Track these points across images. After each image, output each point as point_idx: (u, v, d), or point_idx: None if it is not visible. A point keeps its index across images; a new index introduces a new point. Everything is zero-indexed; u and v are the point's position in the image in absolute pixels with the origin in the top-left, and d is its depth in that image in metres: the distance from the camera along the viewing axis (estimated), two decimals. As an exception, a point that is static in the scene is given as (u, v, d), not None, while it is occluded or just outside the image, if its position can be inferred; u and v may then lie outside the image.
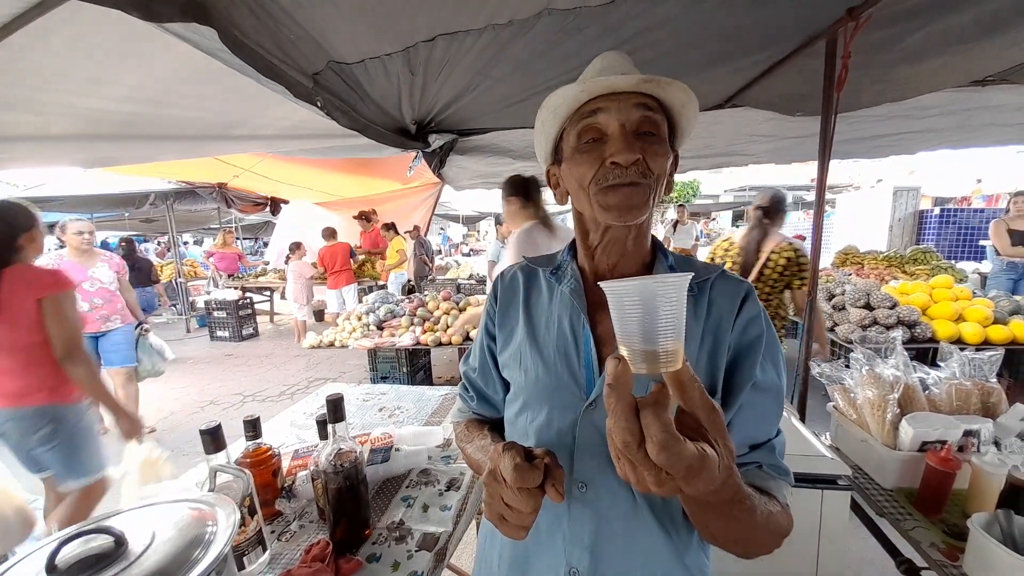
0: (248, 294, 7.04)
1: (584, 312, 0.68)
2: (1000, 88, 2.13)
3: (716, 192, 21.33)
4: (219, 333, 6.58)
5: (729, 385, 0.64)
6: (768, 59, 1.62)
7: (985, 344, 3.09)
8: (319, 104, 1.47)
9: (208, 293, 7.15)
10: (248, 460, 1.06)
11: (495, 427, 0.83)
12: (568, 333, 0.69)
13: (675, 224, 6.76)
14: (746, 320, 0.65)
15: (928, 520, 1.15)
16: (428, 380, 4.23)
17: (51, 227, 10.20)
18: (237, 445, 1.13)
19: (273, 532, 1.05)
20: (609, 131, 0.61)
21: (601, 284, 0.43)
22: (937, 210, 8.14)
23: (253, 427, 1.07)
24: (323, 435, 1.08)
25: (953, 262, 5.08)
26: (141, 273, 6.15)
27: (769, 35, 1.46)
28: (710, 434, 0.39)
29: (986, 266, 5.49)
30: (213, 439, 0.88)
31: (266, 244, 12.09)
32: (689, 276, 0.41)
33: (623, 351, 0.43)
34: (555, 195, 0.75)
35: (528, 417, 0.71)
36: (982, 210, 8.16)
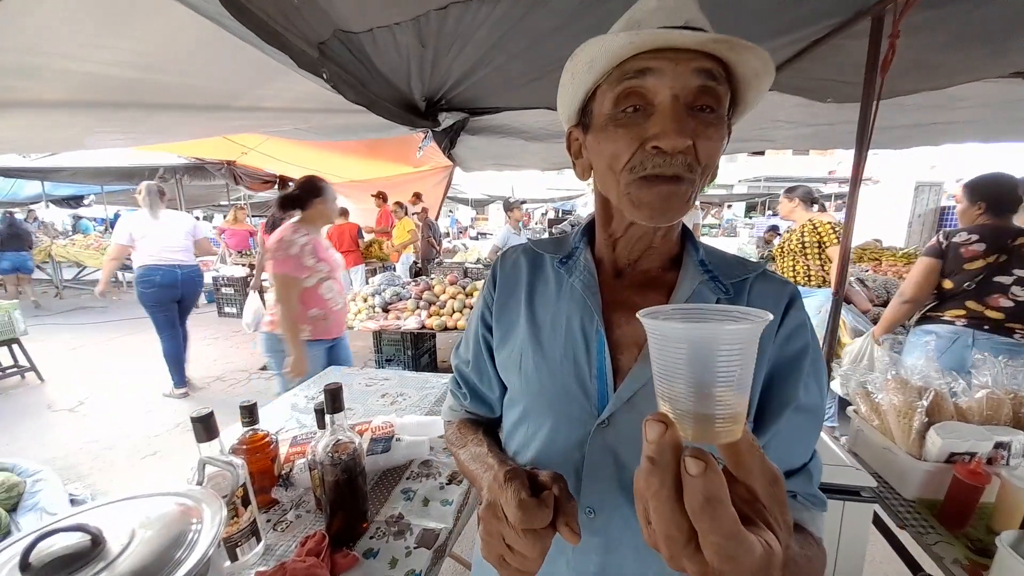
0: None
1: (598, 312, 0.58)
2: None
3: (730, 182, 21.01)
4: (227, 309, 6.59)
5: (767, 405, 0.55)
6: (806, 38, 1.52)
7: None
8: (325, 76, 1.39)
9: (217, 270, 7.17)
10: (244, 447, 1.02)
11: (491, 429, 0.75)
12: (579, 336, 0.59)
13: None
14: (790, 329, 0.56)
15: (951, 535, 1.09)
16: (433, 364, 4.21)
17: (67, 200, 10.17)
18: (235, 429, 1.10)
19: (269, 521, 1.02)
20: (657, 101, 0.48)
21: (640, 316, 0.33)
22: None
23: (250, 413, 1.03)
24: (321, 424, 1.04)
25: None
26: (21, 240, 7.61)
27: (811, 12, 1.35)
28: (768, 511, 0.31)
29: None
30: (205, 427, 0.83)
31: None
32: (769, 318, 0.31)
33: (664, 409, 0.32)
34: (575, 166, 0.62)
35: (528, 429, 0.63)
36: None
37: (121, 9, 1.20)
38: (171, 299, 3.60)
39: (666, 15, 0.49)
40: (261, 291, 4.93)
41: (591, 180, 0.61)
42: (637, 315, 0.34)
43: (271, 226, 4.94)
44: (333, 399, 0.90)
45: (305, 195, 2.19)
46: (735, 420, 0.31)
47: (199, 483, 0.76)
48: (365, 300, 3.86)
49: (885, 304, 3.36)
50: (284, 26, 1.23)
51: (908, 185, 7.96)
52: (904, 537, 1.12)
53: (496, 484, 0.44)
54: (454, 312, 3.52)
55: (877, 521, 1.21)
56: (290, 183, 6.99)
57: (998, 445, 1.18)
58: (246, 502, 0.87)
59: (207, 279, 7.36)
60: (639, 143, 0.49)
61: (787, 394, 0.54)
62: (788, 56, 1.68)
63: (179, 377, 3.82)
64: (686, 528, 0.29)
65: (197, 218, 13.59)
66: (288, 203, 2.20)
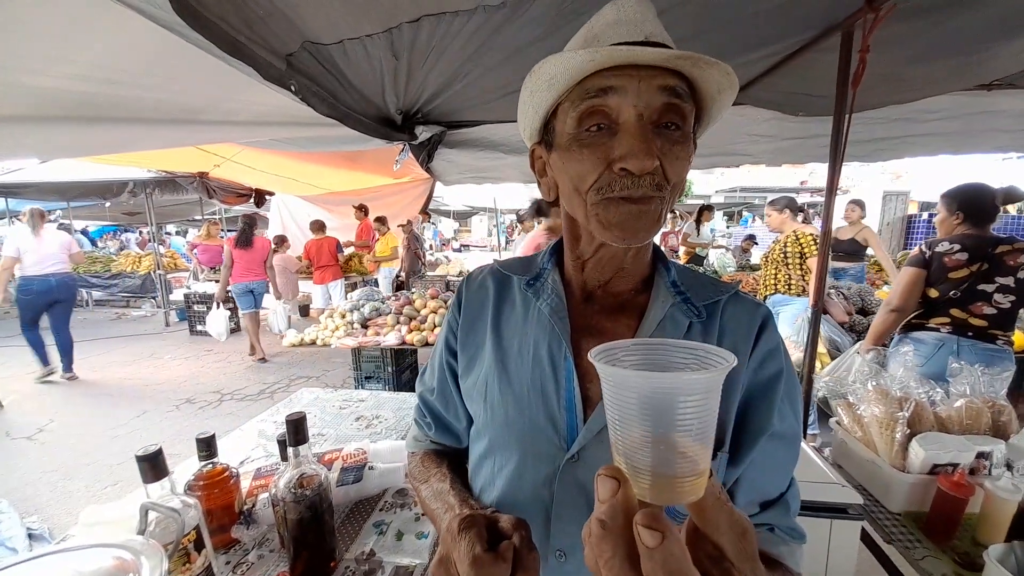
0: (230, 287, 6.85)
1: (567, 339, 0.55)
2: (1006, 93, 2.07)
3: (707, 192, 21.46)
4: (199, 328, 6.39)
5: (741, 433, 0.52)
6: (778, 53, 1.53)
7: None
8: (293, 89, 1.34)
9: (189, 287, 6.96)
10: (201, 484, 0.95)
11: (456, 461, 0.71)
12: (546, 364, 0.56)
13: (698, 223, 6.19)
14: (764, 354, 0.54)
15: (938, 548, 1.08)
16: (415, 381, 4.12)
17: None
18: (192, 463, 1.02)
19: (228, 563, 0.94)
20: (622, 120, 0.46)
21: (591, 358, 0.30)
22: (925, 215, 8.19)
23: (207, 446, 0.96)
24: (284, 457, 0.98)
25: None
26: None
27: (782, 26, 1.37)
28: (737, 570, 0.28)
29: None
30: (152, 466, 0.76)
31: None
32: (732, 363, 0.28)
33: (620, 463, 0.29)
34: (539, 184, 0.60)
35: (495, 464, 0.59)
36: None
37: (79, 21, 1.13)
38: (45, 303, 4.45)
39: (626, 29, 0.47)
40: (226, 302, 5.26)
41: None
42: (588, 356, 0.31)
43: (244, 241, 4.89)
44: (296, 430, 0.84)
45: (551, 203, 2.27)
46: (698, 475, 0.27)
47: (141, 531, 0.69)
48: (343, 316, 3.76)
49: (861, 311, 3.41)
50: (249, 37, 1.19)
51: (876, 195, 8.23)
52: (891, 551, 1.09)
53: (449, 535, 0.40)
54: (435, 327, 3.45)
55: (864, 536, 1.19)
56: (267, 196, 6.86)
57: (980, 455, 1.18)
58: (200, 546, 0.79)
59: (178, 296, 7.21)
60: (606, 164, 0.47)
61: (762, 421, 0.52)
62: (761, 71, 1.70)
63: (43, 361, 4.66)
64: None
65: (169, 234, 13.48)
66: (539, 210, 2.30)
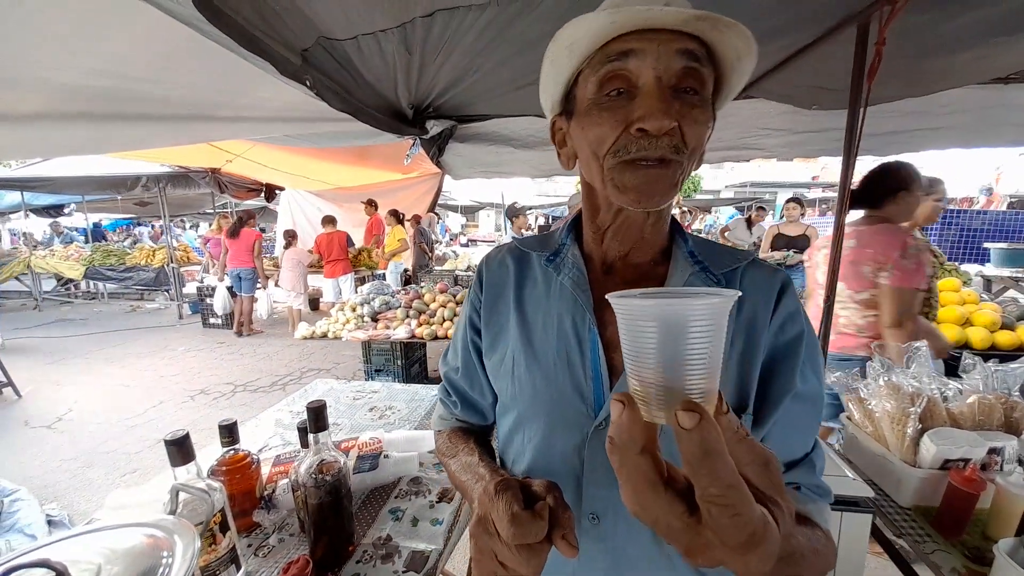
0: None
1: (590, 310, 0.57)
2: (1023, 87, 2.04)
3: (717, 188, 21.30)
4: (212, 320, 6.48)
5: (765, 395, 0.54)
6: (792, 45, 1.52)
7: (992, 349, 3.02)
8: (308, 84, 1.36)
9: (201, 280, 7.05)
10: (224, 469, 0.98)
11: (483, 437, 0.73)
12: (571, 336, 0.58)
13: (749, 223, 5.97)
14: (784, 316, 0.55)
15: (948, 543, 1.08)
16: (423, 374, 4.16)
17: (47, 209, 9.99)
18: (216, 448, 1.05)
19: (250, 546, 0.98)
20: (640, 83, 0.47)
21: (609, 298, 0.33)
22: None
23: (229, 432, 0.99)
24: (304, 444, 1.00)
25: (956, 264, 5.02)
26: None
27: (797, 18, 1.35)
28: (764, 495, 0.29)
29: (989, 269, 5.43)
30: (180, 450, 0.79)
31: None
32: (736, 295, 0.30)
33: (633, 386, 0.32)
34: (559, 156, 0.61)
35: (524, 436, 0.60)
36: (984, 212, 8.08)
37: (97, 16, 1.16)
38: None
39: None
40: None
41: (576, 170, 0.60)
42: (606, 297, 0.33)
43: (232, 232, 5.47)
44: (316, 417, 0.87)
45: (887, 187, 1.70)
46: (707, 401, 0.30)
47: (172, 512, 0.72)
48: (354, 310, 3.80)
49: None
50: (265, 32, 1.20)
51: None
52: (900, 545, 1.10)
53: (486, 496, 0.42)
54: (444, 321, 3.47)
55: (874, 530, 1.20)
56: (277, 191, 6.92)
57: (992, 451, 1.17)
58: (224, 528, 0.82)
59: (191, 289, 7.32)
60: (624, 126, 0.48)
61: (784, 383, 0.53)
62: (774, 63, 1.69)
63: None
64: (656, 508, 0.29)
65: (182, 229, 13.83)
66: (859, 199, 1.75)
